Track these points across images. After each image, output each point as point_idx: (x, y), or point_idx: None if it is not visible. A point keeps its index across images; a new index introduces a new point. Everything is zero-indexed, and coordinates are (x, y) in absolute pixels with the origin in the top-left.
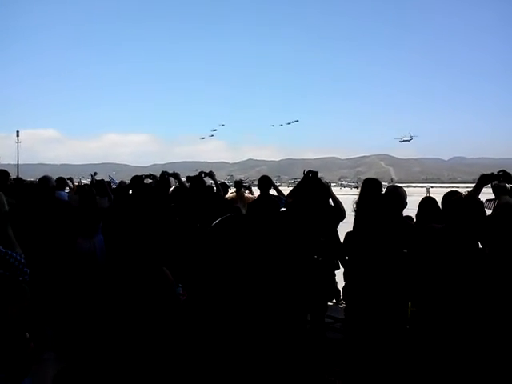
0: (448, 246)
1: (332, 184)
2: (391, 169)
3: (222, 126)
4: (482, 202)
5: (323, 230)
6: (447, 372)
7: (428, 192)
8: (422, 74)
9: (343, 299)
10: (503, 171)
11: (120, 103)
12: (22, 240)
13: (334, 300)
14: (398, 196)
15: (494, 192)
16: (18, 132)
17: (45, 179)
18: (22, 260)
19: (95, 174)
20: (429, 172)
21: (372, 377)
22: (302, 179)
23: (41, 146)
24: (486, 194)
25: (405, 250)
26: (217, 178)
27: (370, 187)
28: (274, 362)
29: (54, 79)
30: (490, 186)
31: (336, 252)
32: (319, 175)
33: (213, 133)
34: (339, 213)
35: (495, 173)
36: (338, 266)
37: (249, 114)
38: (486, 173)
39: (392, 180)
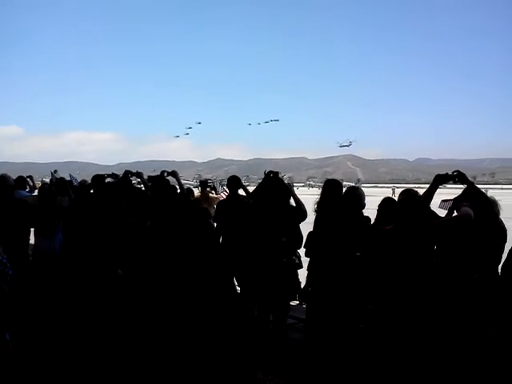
0: (395, 247)
1: (300, 184)
2: (358, 169)
3: (199, 123)
4: (425, 200)
5: (285, 230)
6: (402, 368)
7: (393, 192)
8: (388, 73)
9: (302, 299)
10: (458, 171)
11: (85, 100)
12: None
13: (297, 300)
14: (356, 197)
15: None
16: None
17: (2, 178)
18: (4, 261)
19: (55, 171)
20: (394, 173)
21: (328, 376)
22: (263, 180)
23: (3, 143)
24: (444, 194)
25: (358, 254)
26: (184, 177)
27: (330, 188)
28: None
29: (16, 75)
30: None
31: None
32: (288, 175)
33: (188, 131)
34: (300, 213)
35: (450, 173)
36: (300, 266)
37: (217, 113)
38: (464, 172)
39: (359, 180)
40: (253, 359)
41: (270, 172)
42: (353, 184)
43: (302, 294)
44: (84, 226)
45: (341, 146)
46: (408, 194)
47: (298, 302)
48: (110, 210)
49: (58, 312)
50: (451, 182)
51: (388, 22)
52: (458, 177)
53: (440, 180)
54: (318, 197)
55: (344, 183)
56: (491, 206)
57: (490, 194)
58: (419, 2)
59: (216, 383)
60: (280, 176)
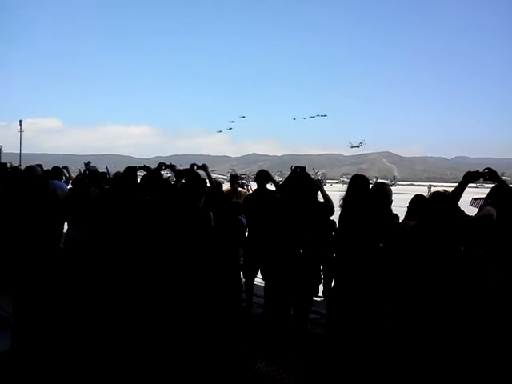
0: (418, 242)
1: (334, 181)
2: (394, 167)
3: (243, 117)
4: (453, 198)
5: (310, 225)
6: (426, 368)
7: (429, 191)
8: (425, 73)
9: (323, 294)
10: (489, 169)
11: (123, 95)
12: (8, 227)
13: (321, 296)
14: (382, 192)
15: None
16: (20, 121)
17: (30, 168)
18: None
19: (89, 163)
20: (432, 171)
21: (348, 373)
22: (290, 174)
23: (43, 135)
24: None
25: (381, 244)
26: (218, 171)
27: (356, 184)
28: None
29: (56, 68)
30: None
31: (324, 247)
32: (322, 171)
33: (231, 125)
34: (328, 209)
35: (481, 170)
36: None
37: (256, 108)
38: (495, 170)
39: (394, 178)
40: (252, 348)
41: (297, 167)
42: (388, 181)
43: (325, 289)
44: (106, 216)
45: (352, 147)
46: (437, 193)
47: (322, 298)
48: (129, 201)
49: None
50: (482, 179)
51: (421, 23)
52: (488, 174)
53: (470, 178)
54: (344, 192)
55: (379, 180)
56: None
57: None
58: None
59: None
60: (314, 172)
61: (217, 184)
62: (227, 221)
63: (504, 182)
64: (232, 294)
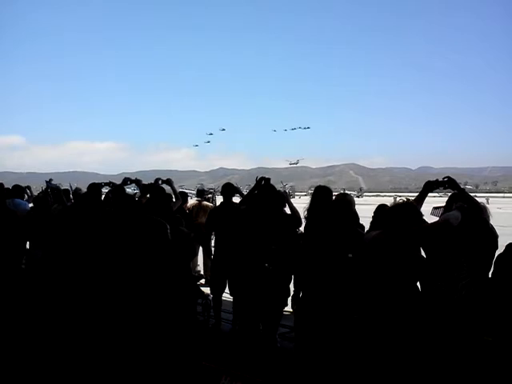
0: (380, 251)
1: (303, 193)
2: (360, 178)
3: (223, 130)
4: (415, 207)
5: (275, 238)
6: (392, 377)
7: (395, 201)
8: (389, 81)
9: (292, 308)
10: (448, 177)
11: (87, 110)
12: None
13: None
14: (345, 203)
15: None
16: None
17: None
18: None
19: (50, 180)
20: (397, 181)
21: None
22: (254, 186)
23: (5, 153)
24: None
25: (350, 255)
26: (186, 186)
27: (320, 195)
28: None
29: (18, 85)
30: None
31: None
32: (290, 184)
33: (209, 138)
34: (295, 221)
35: (440, 179)
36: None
37: (222, 123)
38: (454, 178)
39: (361, 189)
40: (217, 364)
41: (262, 178)
42: (355, 193)
43: (293, 301)
44: (68, 234)
45: (290, 164)
46: (399, 202)
47: (291, 310)
48: (92, 217)
49: (47, 319)
50: (442, 188)
51: (387, 24)
52: (448, 183)
53: (430, 187)
54: (308, 203)
55: (346, 192)
56: (481, 212)
57: (492, 202)
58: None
59: None
60: (282, 185)
61: (182, 196)
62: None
63: (463, 189)
64: (185, 306)
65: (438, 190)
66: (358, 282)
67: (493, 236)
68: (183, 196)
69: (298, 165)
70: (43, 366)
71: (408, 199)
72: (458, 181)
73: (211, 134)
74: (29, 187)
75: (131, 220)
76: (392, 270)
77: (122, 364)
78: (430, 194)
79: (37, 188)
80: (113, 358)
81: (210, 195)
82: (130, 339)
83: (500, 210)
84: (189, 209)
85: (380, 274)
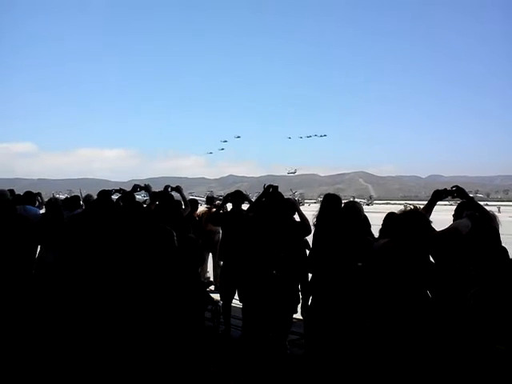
0: (389, 259)
1: (312, 201)
2: (370, 186)
3: (238, 137)
4: (424, 215)
5: (284, 245)
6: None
7: (405, 209)
8: (399, 89)
9: (301, 315)
10: (456, 187)
11: (97, 117)
12: None
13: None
14: (354, 210)
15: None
16: None
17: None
18: None
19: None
20: (407, 189)
21: None
22: (262, 193)
23: (17, 159)
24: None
25: (359, 264)
26: (196, 194)
27: (329, 202)
28: None
29: (28, 92)
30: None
31: (299, 267)
32: (299, 192)
33: (223, 145)
34: (305, 228)
35: (448, 188)
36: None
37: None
38: (462, 187)
39: (371, 197)
40: (226, 371)
41: (270, 186)
42: (364, 201)
43: (302, 309)
44: (79, 239)
45: (288, 173)
46: (407, 210)
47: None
48: (103, 224)
49: (58, 321)
50: (450, 197)
51: (390, 28)
52: (456, 192)
53: (439, 196)
54: (317, 211)
55: (356, 200)
56: (491, 221)
57: (503, 210)
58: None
59: None
60: (292, 192)
61: (192, 204)
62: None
63: (472, 198)
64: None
65: (448, 199)
66: (368, 290)
67: (502, 248)
68: (193, 203)
69: (307, 173)
70: (54, 368)
71: (416, 207)
72: (468, 189)
73: (226, 142)
74: (39, 194)
75: (138, 227)
76: (401, 277)
77: (131, 370)
78: (440, 203)
79: (47, 194)
80: (121, 363)
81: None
82: (138, 345)
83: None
84: (198, 216)
85: (390, 282)
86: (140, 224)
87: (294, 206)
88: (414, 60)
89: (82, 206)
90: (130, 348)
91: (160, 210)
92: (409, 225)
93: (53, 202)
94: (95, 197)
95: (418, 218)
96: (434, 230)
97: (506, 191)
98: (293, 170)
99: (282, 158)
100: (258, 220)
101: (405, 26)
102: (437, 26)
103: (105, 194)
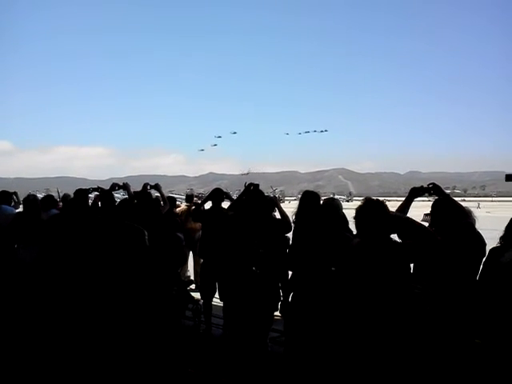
0: (360, 262)
1: (292, 198)
2: (349, 183)
3: (234, 133)
4: (381, 202)
5: (263, 242)
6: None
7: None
8: (378, 83)
9: (280, 313)
10: (433, 184)
11: (73, 115)
12: None
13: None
14: (333, 208)
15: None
16: None
17: None
18: None
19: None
20: (386, 186)
21: None
22: (243, 192)
23: None
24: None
25: (333, 268)
26: (176, 192)
27: (307, 199)
28: None
29: (4, 90)
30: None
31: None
32: (280, 189)
33: (216, 141)
34: (285, 225)
35: (425, 186)
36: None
37: (207, 126)
38: (439, 184)
39: (350, 194)
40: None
41: (251, 184)
42: (344, 197)
43: (282, 307)
44: (58, 238)
45: (242, 174)
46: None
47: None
48: (79, 223)
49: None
50: (427, 194)
51: (376, 23)
52: (433, 189)
53: (415, 193)
54: (296, 208)
55: (336, 196)
56: (467, 217)
57: (481, 206)
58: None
59: None
60: (272, 189)
61: (170, 201)
62: (164, 238)
63: (448, 195)
64: (171, 310)
65: (425, 195)
66: (344, 293)
67: (479, 240)
68: (171, 201)
69: (286, 169)
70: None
71: (371, 198)
72: (446, 185)
73: (220, 137)
74: (15, 193)
75: (109, 226)
76: (375, 278)
77: (108, 371)
78: (420, 199)
79: (24, 193)
80: (98, 364)
81: (199, 201)
82: (115, 345)
83: (489, 214)
84: (178, 214)
85: (363, 282)
86: (111, 223)
87: (273, 202)
88: (395, 55)
89: (58, 205)
90: (107, 348)
91: (139, 208)
92: (372, 221)
93: (30, 200)
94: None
95: (376, 209)
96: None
97: (483, 187)
98: (246, 172)
99: (264, 156)
100: (238, 217)
101: (395, 23)
102: (432, 22)
103: (81, 193)
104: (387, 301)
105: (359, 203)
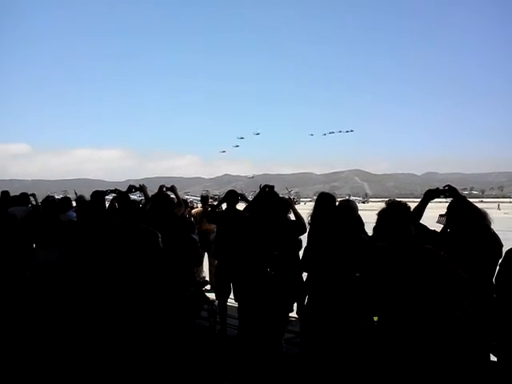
0: (388, 265)
1: (308, 199)
2: (366, 184)
3: (257, 134)
4: (405, 205)
5: (278, 244)
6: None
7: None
8: (394, 85)
9: (297, 314)
10: (449, 186)
11: (90, 117)
12: None
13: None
14: (348, 209)
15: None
16: None
17: None
18: None
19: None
20: (402, 187)
21: None
22: (258, 193)
23: (11, 161)
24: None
25: (357, 274)
26: (191, 193)
27: (323, 201)
28: None
29: (23, 93)
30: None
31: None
32: (295, 190)
33: (238, 142)
34: (300, 227)
35: (441, 188)
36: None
37: (223, 128)
38: (455, 186)
39: (366, 195)
40: (220, 372)
41: (266, 186)
42: (360, 198)
43: (298, 308)
44: (82, 239)
45: (248, 178)
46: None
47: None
48: (103, 224)
49: (56, 319)
50: (442, 196)
51: (385, 24)
52: (448, 191)
53: (431, 195)
54: (311, 210)
55: (352, 198)
56: (483, 219)
57: (501, 207)
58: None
59: None
60: (288, 191)
61: (185, 203)
62: (179, 240)
63: (464, 197)
64: (186, 311)
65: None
66: (368, 296)
67: (495, 242)
68: (185, 203)
69: (301, 171)
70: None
71: (395, 200)
72: (463, 186)
73: (242, 138)
74: (34, 194)
75: (123, 228)
76: (405, 283)
77: (125, 372)
78: (436, 200)
79: (42, 195)
80: (114, 365)
81: (215, 202)
82: (131, 347)
83: (507, 215)
84: (193, 215)
85: (389, 287)
86: (125, 226)
87: (288, 204)
88: (411, 57)
89: (73, 207)
90: (123, 349)
91: (155, 210)
92: (399, 224)
93: (49, 201)
94: (88, 197)
95: (401, 212)
96: (427, 229)
97: (501, 188)
98: (251, 175)
99: (278, 158)
100: (253, 219)
101: (404, 23)
102: (431, 23)
103: (98, 195)
104: (417, 307)
105: (379, 205)
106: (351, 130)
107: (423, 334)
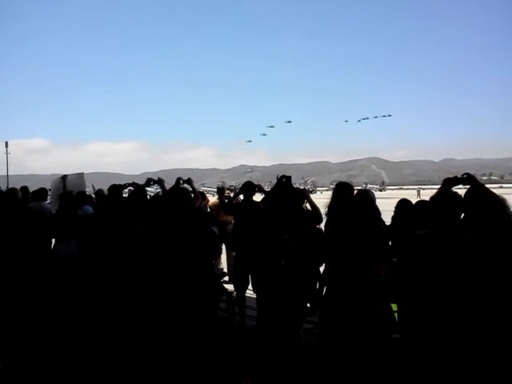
0: (430, 254)
1: (324, 188)
2: (383, 172)
3: (289, 122)
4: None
5: (292, 235)
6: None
7: (419, 194)
8: (412, 76)
9: (314, 305)
10: (467, 174)
11: (106, 111)
12: None
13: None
14: (366, 199)
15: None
16: (6, 143)
17: (11, 191)
18: None
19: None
20: (420, 174)
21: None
22: (275, 184)
23: (29, 156)
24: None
25: (394, 259)
26: (208, 184)
27: (341, 191)
28: None
29: (40, 87)
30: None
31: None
32: (311, 180)
33: (267, 130)
34: (316, 217)
35: (459, 176)
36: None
37: (237, 118)
38: (472, 173)
39: (383, 183)
40: (238, 365)
41: (283, 177)
42: (377, 186)
43: (315, 300)
44: (101, 233)
45: (246, 172)
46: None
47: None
48: (115, 223)
49: (73, 314)
50: (461, 184)
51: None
52: (467, 179)
53: (449, 183)
54: (329, 200)
55: (368, 186)
56: (503, 206)
57: None
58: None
59: None
60: (304, 180)
61: (201, 195)
62: (199, 232)
63: (482, 185)
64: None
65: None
66: (409, 281)
67: None
68: (202, 195)
69: (317, 160)
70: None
71: (449, 189)
72: (482, 172)
73: (272, 127)
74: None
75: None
76: (444, 273)
77: (141, 364)
78: (455, 188)
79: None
80: (131, 357)
81: (231, 193)
82: (148, 339)
83: None
84: (210, 207)
85: (430, 276)
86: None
87: (302, 195)
88: (427, 46)
89: (93, 200)
90: (141, 341)
91: (173, 203)
92: (451, 212)
93: (67, 195)
94: (106, 191)
95: (457, 202)
96: None
97: None
98: (249, 170)
99: (292, 147)
100: (268, 211)
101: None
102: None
103: (116, 189)
104: (458, 296)
105: (396, 192)
106: (389, 115)
107: (457, 320)
